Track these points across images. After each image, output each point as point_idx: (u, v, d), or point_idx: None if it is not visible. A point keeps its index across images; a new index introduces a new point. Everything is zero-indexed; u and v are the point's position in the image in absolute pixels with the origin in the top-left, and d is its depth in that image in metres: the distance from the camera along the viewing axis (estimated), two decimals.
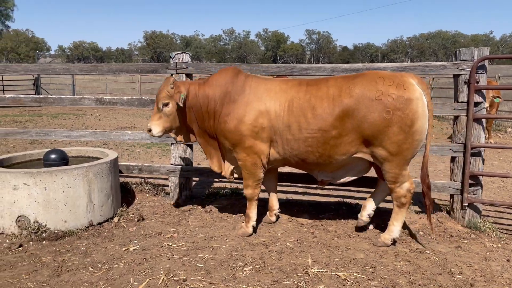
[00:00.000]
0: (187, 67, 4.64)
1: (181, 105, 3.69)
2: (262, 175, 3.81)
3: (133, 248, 3.57)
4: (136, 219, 4.20)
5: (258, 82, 3.75)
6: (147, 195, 4.99)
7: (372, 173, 3.89)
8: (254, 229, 3.93)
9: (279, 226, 4.11)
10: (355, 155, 3.56)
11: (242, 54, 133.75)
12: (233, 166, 3.94)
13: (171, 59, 4.71)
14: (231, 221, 4.25)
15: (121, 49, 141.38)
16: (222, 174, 4.02)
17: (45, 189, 3.67)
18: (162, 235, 3.86)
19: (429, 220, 3.66)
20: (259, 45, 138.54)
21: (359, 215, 3.91)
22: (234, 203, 4.73)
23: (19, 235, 3.72)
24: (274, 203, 4.19)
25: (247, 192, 3.87)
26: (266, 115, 3.60)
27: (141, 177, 5.73)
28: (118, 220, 4.15)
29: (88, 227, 3.94)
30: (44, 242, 3.67)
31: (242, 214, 4.41)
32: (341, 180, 3.81)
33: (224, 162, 3.98)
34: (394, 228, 3.64)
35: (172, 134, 4.00)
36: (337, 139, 3.48)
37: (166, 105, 3.79)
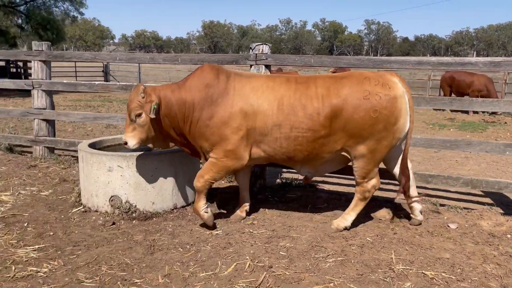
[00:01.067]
0: (266, 58, 4.70)
1: (153, 116, 3.47)
2: (219, 179, 3.73)
3: (216, 232, 3.72)
4: (216, 205, 4.36)
5: (242, 82, 3.61)
6: (222, 181, 5.15)
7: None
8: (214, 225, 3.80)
9: (356, 220, 4.09)
10: (339, 152, 3.67)
11: (297, 44, 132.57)
12: None
13: (250, 50, 4.79)
14: (306, 211, 4.28)
15: (180, 38, 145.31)
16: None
17: (137, 171, 3.91)
18: (242, 221, 3.99)
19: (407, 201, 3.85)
20: (315, 35, 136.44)
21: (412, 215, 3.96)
22: (308, 194, 4.76)
23: (112, 213, 4.00)
24: (246, 199, 4.09)
25: (199, 183, 3.63)
26: (253, 116, 3.50)
27: None
28: None
29: (173, 209, 4.15)
30: (134, 221, 3.92)
31: (318, 206, 4.44)
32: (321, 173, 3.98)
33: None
34: (349, 218, 3.80)
35: (150, 144, 3.80)
36: (325, 138, 3.53)
37: (139, 115, 3.56)
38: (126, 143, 3.62)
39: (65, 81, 5.86)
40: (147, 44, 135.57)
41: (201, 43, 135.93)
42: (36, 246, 3.37)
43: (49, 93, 5.73)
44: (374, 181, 3.69)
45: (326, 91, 3.50)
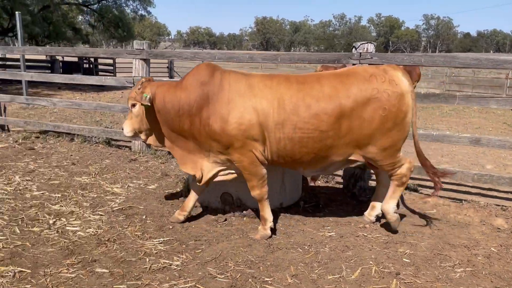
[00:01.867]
0: (371, 57, 4.58)
1: (145, 103, 3.51)
2: (264, 171, 3.57)
3: (329, 234, 3.69)
4: (320, 205, 4.34)
5: (237, 78, 3.51)
6: (319, 182, 5.12)
7: None
8: (273, 230, 3.68)
9: (473, 228, 3.91)
10: (350, 157, 3.54)
11: (351, 40, 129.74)
12: (217, 169, 3.69)
13: (353, 49, 4.70)
14: (415, 217, 4.15)
15: (232, 34, 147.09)
16: (197, 178, 3.72)
17: None
18: (352, 224, 3.93)
19: (436, 189, 3.69)
20: (370, 31, 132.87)
21: (366, 213, 3.98)
22: (413, 199, 4.62)
23: (222, 209, 4.08)
24: (190, 205, 3.86)
25: (255, 193, 3.61)
26: (253, 112, 3.37)
27: None
28: (303, 205, 4.32)
29: (280, 208, 4.18)
30: (245, 218, 3.99)
31: (424, 212, 4.29)
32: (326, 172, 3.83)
33: (204, 166, 3.70)
34: (392, 204, 3.68)
35: (142, 136, 3.81)
36: (334, 139, 3.41)
37: (133, 105, 3.69)
38: (122, 129, 3.84)
39: (164, 79, 6.07)
40: (201, 40, 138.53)
41: (254, 39, 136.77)
42: (161, 239, 3.51)
43: None
44: (406, 165, 3.62)
45: (334, 91, 3.38)
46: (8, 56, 19.81)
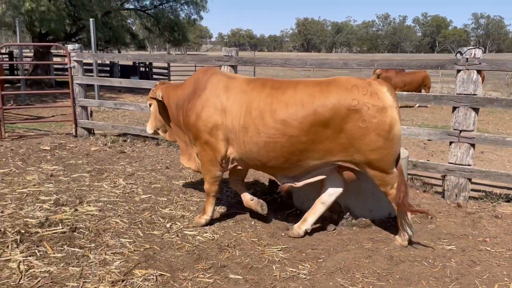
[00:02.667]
0: (480, 63, 4.41)
1: (157, 97, 4.05)
2: (218, 173, 3.82)
3: (449, 247, 3.58)
4: (428, 217, 4.21)
5: (219, 79, 3.79)
6: (417, 191, 4.99)
7: None
8: (208, 223, 3.89)
9: None
10: (337, 163, 3.52)
11: (396, 41, 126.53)
12: None
13: (458, 54, 4.54)
14: None
15: (273, 36, 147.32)
16: (194, 169, 4.16)
17: (358, 178, 3.91)
18: (470, 237, 3.79)
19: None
20: (415, 31, 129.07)
21: (296, 226, 3.77)
22: None
23: (329, 218, 4.05)
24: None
25: (205, 186, 3.92)
26: (222, 113, 3.63)
27: (412, 174, 5.63)
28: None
29: (388, 218, 4.10)
30: (354, 228, 3.94)
31: None
32: (303, 182, 3.71)
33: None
34: (407, 227, 3.57)
35: (161, 133, 4.41)
36: (308, 145, 3.43)
37: (150, 105, 4.31)
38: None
39: None
40: (242, 42, 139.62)
41: (294, 41, 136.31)
42: (279, 246, 3.52)
43: None
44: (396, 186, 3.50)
45: (310, 98, 3.41)
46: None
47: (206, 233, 3.73)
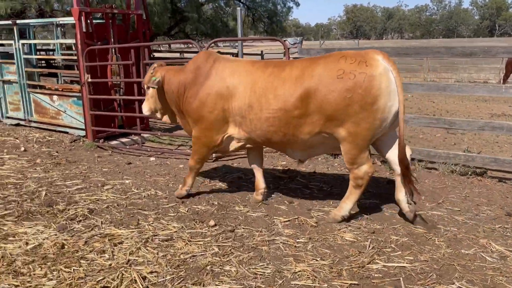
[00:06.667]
0: None
1: (153, 86, 4.15)
2: (207, 157, 4.24)
3: None
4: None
5: (224, 65, 3.89)
6: None
7: None
8: (189, 194, 4.42)
9: None
10: (321, 134, 3.54)
11: (452, 25, 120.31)
12: None
13: None
14: None
15: (320, 24, 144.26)
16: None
17: None
18: None
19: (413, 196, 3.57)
20: (472, 14, 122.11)
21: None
22: None
23: None
24: (260, 183, 4.27)
25: (190, 162, 4.24)
26: (229, 98, 3.77)
27: None
28: None
29: None
30: None
31: None
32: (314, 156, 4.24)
33: None
34: (346, 206, 3.69)
35: (158, 114, 4.50)
36: (299, 119, 3.50)
37: (148, 88, 4.30)
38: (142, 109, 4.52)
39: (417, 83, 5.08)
40: (288, 31, 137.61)
41: (343, 28, 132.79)
42: None
43: None
44: (365, 167, 3.50)
45: (300, 72, 3.49)
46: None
47: None
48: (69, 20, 8.15)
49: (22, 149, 6.74)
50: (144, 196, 4.58)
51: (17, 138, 7.51)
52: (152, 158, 6.35)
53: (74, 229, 3.77)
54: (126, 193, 4.67)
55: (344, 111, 3.30)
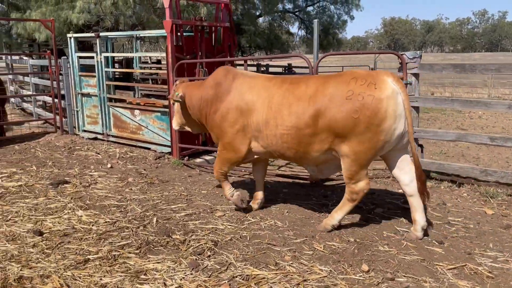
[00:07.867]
0: None
1: (175, 99, 4.41)
2: (228, 170, 4.33)
3: None
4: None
5: (243, 81, 4.02)
6: None
7: None
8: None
9: None
10: (331, 152, 3.65)
11: (495, 38, 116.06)
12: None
13: None
14: None
15: (356, 37, 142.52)
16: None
17: None
18: None
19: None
20: None
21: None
22: None
23: None
24: (259, 193, 4.51)
25: (214, 171, 4.39)
26: (248, 113, 3.88)
27: None
28: None
29: None
30: None
31: None
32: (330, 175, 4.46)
33: None
34: (337, 216, 3.84)
35: (187, 128, 4.73)
36: (310, 137, 3.61)
37: (173, 103, 4.62)
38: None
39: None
40: (344, 44, 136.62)
41: (380, 41, 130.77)
42: None
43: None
44: (361, 184, 3.62)
45: (314, 91, 3.59)
46: None
47: None
48: (153, 33, 7.90)
49: (109, 165, 6.49)
50: (264, 227, 4.13)
51: (98, 153, 7.29)
52: (246, 179, 5.93)
53: (208, 267, 3.35)
54: (243, 223, 4.24)
55: (351, 130, 3.43)
